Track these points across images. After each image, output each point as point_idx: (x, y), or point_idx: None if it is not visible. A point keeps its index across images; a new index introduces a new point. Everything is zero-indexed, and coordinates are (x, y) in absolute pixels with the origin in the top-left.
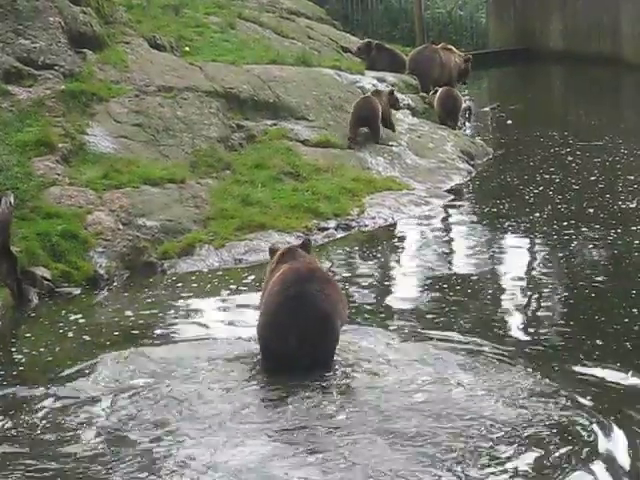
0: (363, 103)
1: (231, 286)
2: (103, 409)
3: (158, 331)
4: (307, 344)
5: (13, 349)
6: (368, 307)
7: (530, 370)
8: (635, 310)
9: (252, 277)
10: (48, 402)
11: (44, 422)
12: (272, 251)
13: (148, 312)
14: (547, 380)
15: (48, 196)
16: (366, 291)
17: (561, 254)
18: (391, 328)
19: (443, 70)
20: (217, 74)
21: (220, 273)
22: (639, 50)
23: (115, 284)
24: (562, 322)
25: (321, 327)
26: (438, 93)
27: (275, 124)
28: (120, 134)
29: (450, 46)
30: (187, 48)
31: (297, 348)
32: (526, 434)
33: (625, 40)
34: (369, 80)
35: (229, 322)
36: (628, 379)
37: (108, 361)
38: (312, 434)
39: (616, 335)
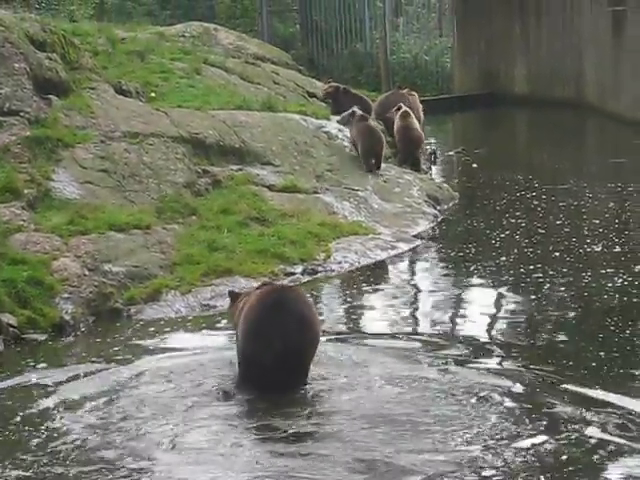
0: (376, 135)
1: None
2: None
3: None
4: (291, 347)
5: None
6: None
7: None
8: (603, 353)
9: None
10: None
11: None
12: (233, 295)
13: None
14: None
15: (14, 242)
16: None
17: (531, 297)
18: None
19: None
20: (183, 120)
21: (190, 319)
22: (602, 95)
23: (82, 330)
24: (533, 363)
25: (302, 328)
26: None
27: (241, 169)
28: (86, 180)
29: (413, 92)
30: (153, 94)
31: (282, 353)
32: None
33: (588, 85)
34: (335, 125)
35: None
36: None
37: None
38: None
39: (586, 377)
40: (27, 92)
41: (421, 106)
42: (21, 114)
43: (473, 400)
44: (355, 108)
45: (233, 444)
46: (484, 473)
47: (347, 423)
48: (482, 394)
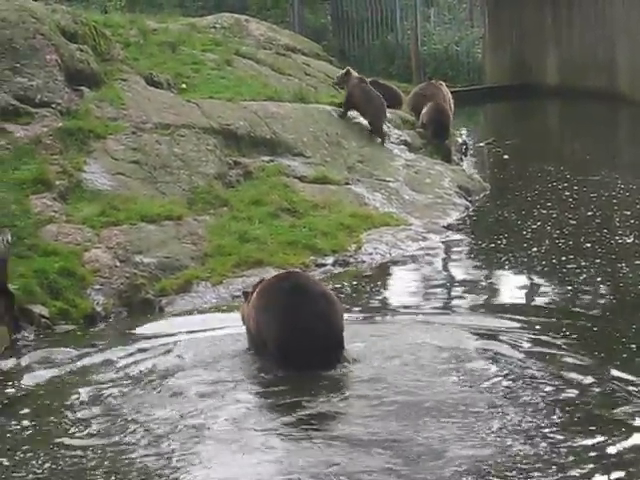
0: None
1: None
2: None
3: None
4: (321, 323)
5: None
6: None
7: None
8: (634, 345)
9: None
10: None
11: None
12: (246, 294)
13: None
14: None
15: (45, 234)
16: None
17: (565, 287)
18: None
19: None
20: (214, 111)
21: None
22: (635, 84)
23: (112, 321)
24: (566, 356)
25: (327, 303)
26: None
27: (272, 160)
28: (117, 171)
29: (442, 82)
30: (184, 85)
31: (321, 331)
32: None
33: (621, 74)
34: None
35: None
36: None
37: None
38: None
39: (619, 367)
40: (59, 84)
41: (450, 96)
42: (53, 106)
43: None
44: (349, 68)
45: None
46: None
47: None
48: (519, 381)
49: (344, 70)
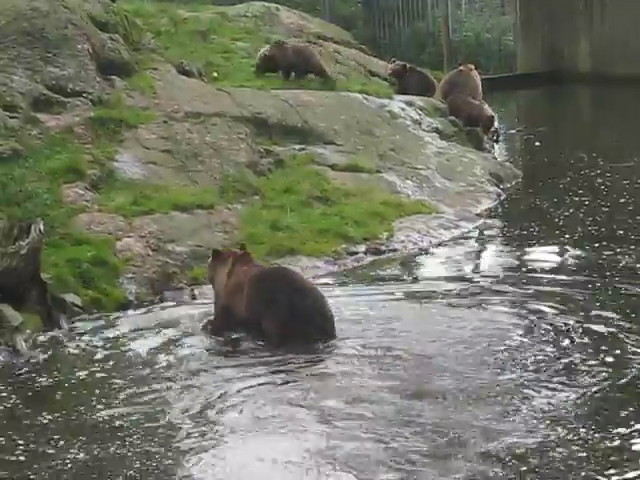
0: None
1: None
2: None
3: None
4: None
5: None
6: None
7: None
8: None
9: None
10: None
11: None
12: (216, 253)
13: None
14: None
15: (78, 223)
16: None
17: (600, 273)
18: None
19: (476, 93)
20: (245, 99)
21: None
22: None
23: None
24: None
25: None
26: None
27: (303, 149)
28: (149, 160)
29: (471, 66)
30: (215, 74)
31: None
32: None
33: None
34: (397, 104)
35: None
36: None
37: None
38: None
39: None
40: (90, 73)
41: (479, 82)
42: (84, 95)
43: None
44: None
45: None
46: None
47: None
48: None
49: (401, 63)
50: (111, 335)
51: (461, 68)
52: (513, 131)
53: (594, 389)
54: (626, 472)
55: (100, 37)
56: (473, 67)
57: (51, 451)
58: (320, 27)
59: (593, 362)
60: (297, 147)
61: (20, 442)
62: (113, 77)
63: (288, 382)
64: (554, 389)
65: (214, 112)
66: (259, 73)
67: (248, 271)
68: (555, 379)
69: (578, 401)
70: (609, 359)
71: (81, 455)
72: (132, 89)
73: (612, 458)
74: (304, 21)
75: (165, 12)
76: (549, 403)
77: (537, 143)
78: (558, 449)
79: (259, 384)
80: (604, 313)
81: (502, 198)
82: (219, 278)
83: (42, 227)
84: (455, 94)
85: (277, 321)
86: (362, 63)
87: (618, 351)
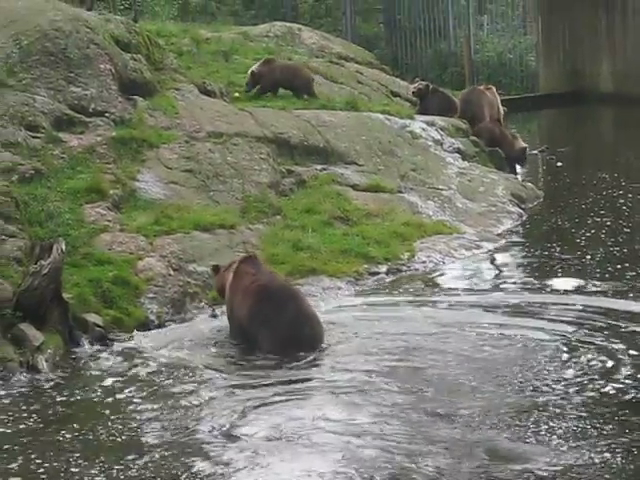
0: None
1: None
2: None
3: None
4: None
5: None
6: None
7: None
8: None
9: None
10: None
11: None
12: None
13: None
14: None
15: (99, 242)
16: None
17: (620, 296)
18: None
19: (492, 110)
20: (267, 119)
21: None
22: None
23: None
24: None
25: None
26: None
27: (325, 169)
28: (171, 180)
29: (490, 86)
30: (237, 94)
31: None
32: None
33: None
34: (418, 124)
35: None
36: None
37: None
38: None
39: None
40: (112, 93)
41: (499, 100)
42: (106, 115)
43: None
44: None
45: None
46: None
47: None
48: None
49: (424, 83)
50: (132, 354)
51: (475, 86)
52: (535, 151)
53: (620, 412)
54: None
55: (122, 57)
56: (492, 87)
57: (74, 469)
58: (342, 47)
59: (618, 385)
60: (319, 167)
61: (40, 461)
62: (135, 97)
63: (305, 398)
64: (578, 411)
65: (236, 132)
66: (250, 90)
67: (256, 278)
68: (578, 400)
69: (603, 426)
70: (632, 382)
71: (101, 477)
72: (154, 109)
73: None
74: (326, 41)
75: (187, 32)
76: (574, 426)
77: (559, 163)
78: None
79: (280, 401)
80: (627, 335)
81: (524, 218)
82: (225, 280)
83: (64, 247)
84: (485, 123)
85: (273, 342)
86: (384, 83)
87: None
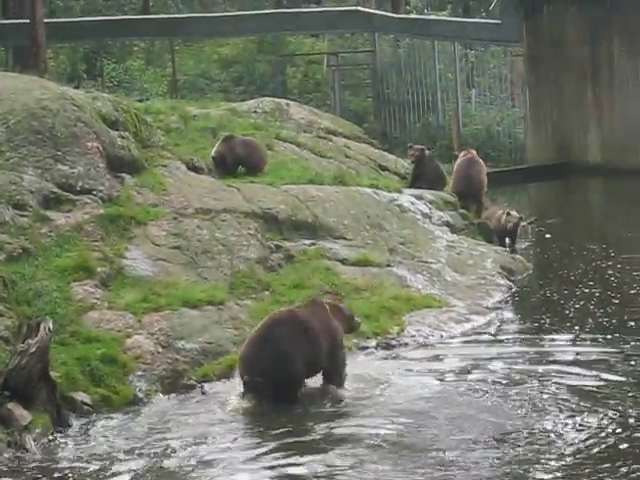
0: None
1: None
2: None
3: None
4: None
5: None
6: None
7: None
8: None
9: None
10: None
11: None
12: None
13: None
14: None
15: (87, 320)
16: None
17: (610, 367)
18: None
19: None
20: (255, 195)
21: None
22: None
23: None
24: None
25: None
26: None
27: (314, 244)
28: (159, 257)
29: (472, 151)
30: None
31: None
32: None
33: None
34: (407, 197)
35: None
36: None
37: None
38: None
39: None
40: (100, 170)
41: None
42: (94, 192)
43: None
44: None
45: None
46: None
47: None
48: None
49: (420, 147)
50: (120, 433)
51: (468, 155)
52: (524, 223)
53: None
54: None
55: (110, 135)
56: (474, 151)
57: None
58: (330, 122)
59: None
60: (307, 242)
61: None
62: (123, 174)
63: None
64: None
65: (224, 208)
66: (222, 174)
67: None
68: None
69: None
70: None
71: None
72: (142, 186)
73: None
74: (314, 116)
75: (175, 109)
76: None
77: (547, 235)
78: None
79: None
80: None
81: (513, 291)
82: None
83: (51, 325)
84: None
85: None
86: (372, 157)
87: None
